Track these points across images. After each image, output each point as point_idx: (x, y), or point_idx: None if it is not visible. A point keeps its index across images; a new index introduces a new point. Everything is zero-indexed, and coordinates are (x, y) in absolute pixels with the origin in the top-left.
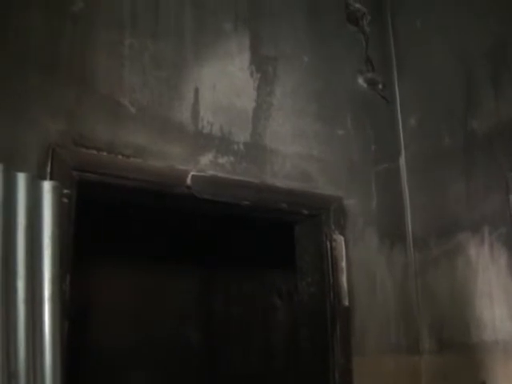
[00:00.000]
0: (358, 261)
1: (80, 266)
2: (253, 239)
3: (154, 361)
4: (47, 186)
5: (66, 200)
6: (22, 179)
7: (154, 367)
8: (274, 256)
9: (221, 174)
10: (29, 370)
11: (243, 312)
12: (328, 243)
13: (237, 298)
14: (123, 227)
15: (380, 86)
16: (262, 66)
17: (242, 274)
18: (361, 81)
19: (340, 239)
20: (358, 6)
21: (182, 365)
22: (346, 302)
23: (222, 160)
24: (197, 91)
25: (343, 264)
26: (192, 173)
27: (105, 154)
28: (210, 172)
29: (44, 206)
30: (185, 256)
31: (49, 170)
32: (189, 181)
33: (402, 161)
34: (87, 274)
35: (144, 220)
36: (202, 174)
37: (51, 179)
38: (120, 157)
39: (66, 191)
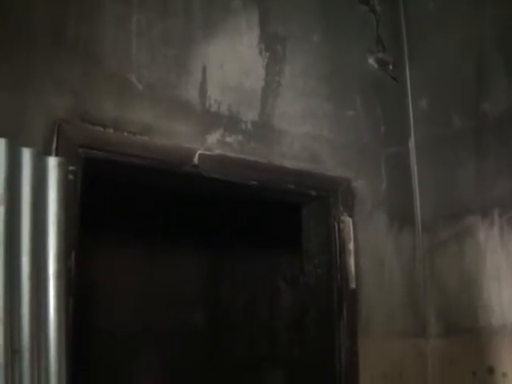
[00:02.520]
0: (366, 243)
1: (85, 246)
2: (259, 221)
3: (159, 344)
4: (53, 162)
5: (71, 177)
6: (27, 155)
7: (159, 350)
8: (279, 239)
9: (228, 153)
10: (33, 347)
11: (248, 296)
12: (336, 225)
13: (242, 281)
14: (129, 207)
15: (390, 67)
16: (271, 44)
17: (248, 258)
18: (371, 61)
19: (348, 221)
20: None
21: (187, 349)
22: (353, 285)
23: (229, 139)
24: (205, 69)
25: (351, 246)
26: (199, 151)
27: (111, 131)
28: (218, 151)
29: (49, 182)
30: (191, 238)
31: (54, 146)
32: (196, 159)
33: (412, 143)
34: (92, 254)
35: (150, 200)
36: (209, 152)
37: (57, 156)
38: (126, 134)
39: (71, 168)
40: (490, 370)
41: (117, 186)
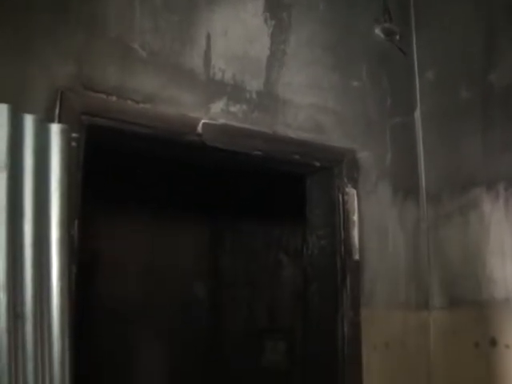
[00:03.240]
0: (370, 215)
1: (87, 216)
2: (263, 193)
3: (160, 315)
4: (55, 129)
5: (74, 144)
6: (29, 121)
7: (160, 322)
8: (282, 211)
9: (232, 123)
10: (36, 313)
11: (250, 268)
12: (340, 196)
13: (243, 254)
14: (132, 177)
15: (397, 37)
16: (276, 12)
17: (250, 231)
18: (378, 31)
19: (352, 192)
20: None
21: (187, 320)
22: (357, 256)
23: (233, 108)
24: (209, 37)
25: (355, 217)
26: (203, 121)
27: (114, 98)
28: (222, 120)
29: (52, 149)
30: (193, 210)
31: (57, 113)
32: (200, 129)
33: (418, 114)
34: (94, 225)
35: (153, 171)
36: (213, 122)
37: (59, 123)
38: (129, 102)
39: (74, 135)
40: (493, 342)
41: (120, 156)
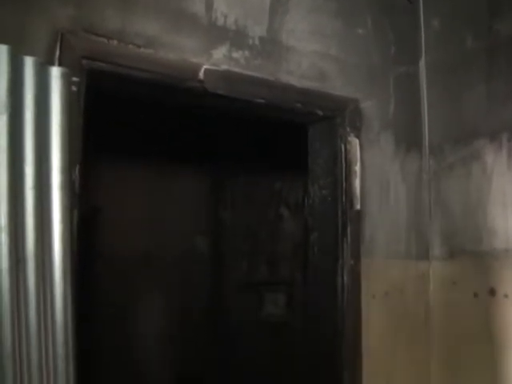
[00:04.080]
0: (372, 165)
1: (89, 169)
2: (265, 143)
3: (161, 268)
4: (56, 72)
5: (74, 88)
6: (29, 63)
7: (161, 274)
8: (283, 163)
9: (235, 69)
10: (38, 256)
11: (251, 221)
12: (342, 146)
13: (245, 207)
14: (133, 126)
15: None
16: None
17: (251, 183)
18: None
19: (355, 142)
20: None
21: (189, 274)
22: (358, 206)
23: (236, 54)
24: None
25: (357, 167)
26: (205, 66)
27: (115, 42)
28: (224, 66)
29: (52, 92)
30: (195, 160)
31: (57, 57)
32: (201, 75)
33: (422, 64)
34: (96, 178)
35: (155, 119)
36: (215, 68)
37: (60, 66)
38: (131, 46)
39: (74, 79)
40: (492, 292)
41: (121, 104)
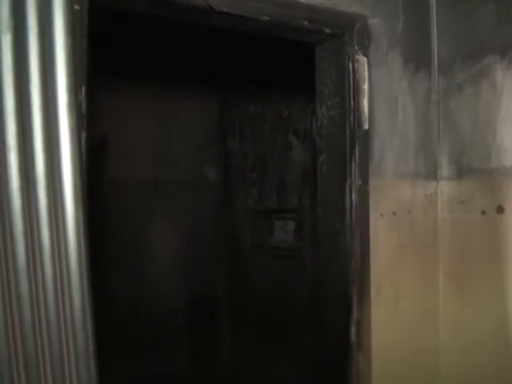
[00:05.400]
0: (380, 85)
1: (96, 96)
2: (272, 66)
3: (171, 197)
4: None
5: (77, 7)
6: None
7: (171, 203)
8: (291, 92)
9: None
10: (47, 177)
11: (260, 150)
12: (350, 65)
13: (253, 136)
14: (139, 48)
15: None
16: None
17: (259, 112)
18: None
19: (363, 60)
20: None
21: (198, 202)
22: (366, 126)
23: None
24: None
25: (365, 86)
26: None
27: None
28: None
29: (55, 10)
30: (203, 89)
31: None
32: None
33: None
34: (104, 106)
35: (162, 40)
36: None
37: None
38: None
39: None
40: (500, 209)
41: (125, 26)
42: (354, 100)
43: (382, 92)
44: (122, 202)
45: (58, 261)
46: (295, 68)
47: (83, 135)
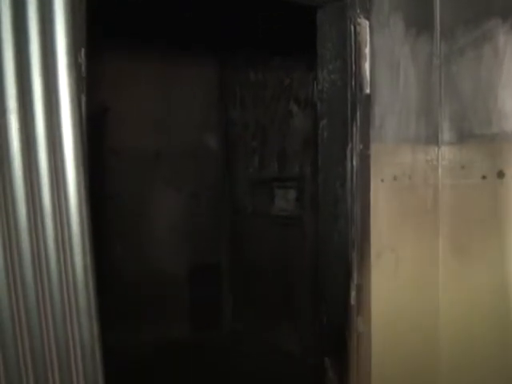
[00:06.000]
0: (382, 48)
1: (98, 61)
2: (273, 33)
3: (172, 165)
4: None
5: None
6: None
7: (172, 172)
8: (292, 58)
9: None
10: (48, 139)
11: (261, 118)
12: (352, 28)
13: (254, 104)
14: (139, 16)
15: None
16: None
17: (260, 81)
18: None
19: (365, 24)
20: None
21: (199, 170)
22: (368, 90)
23: None
24: None
25: (366, 50)
26: None
27: None
28: None
29: None
30: (204, 58)
31: None
32: None
33: None
34: (105, 76)
35: (161, 5)
36: None
37: None
38: None
39: None
40: (500, 174)
41: None
42: (355, 64)
43: (384, 56)
44: (122, 170)
45: (59, 222)
46: (296, 34)
47: (83, 98)
